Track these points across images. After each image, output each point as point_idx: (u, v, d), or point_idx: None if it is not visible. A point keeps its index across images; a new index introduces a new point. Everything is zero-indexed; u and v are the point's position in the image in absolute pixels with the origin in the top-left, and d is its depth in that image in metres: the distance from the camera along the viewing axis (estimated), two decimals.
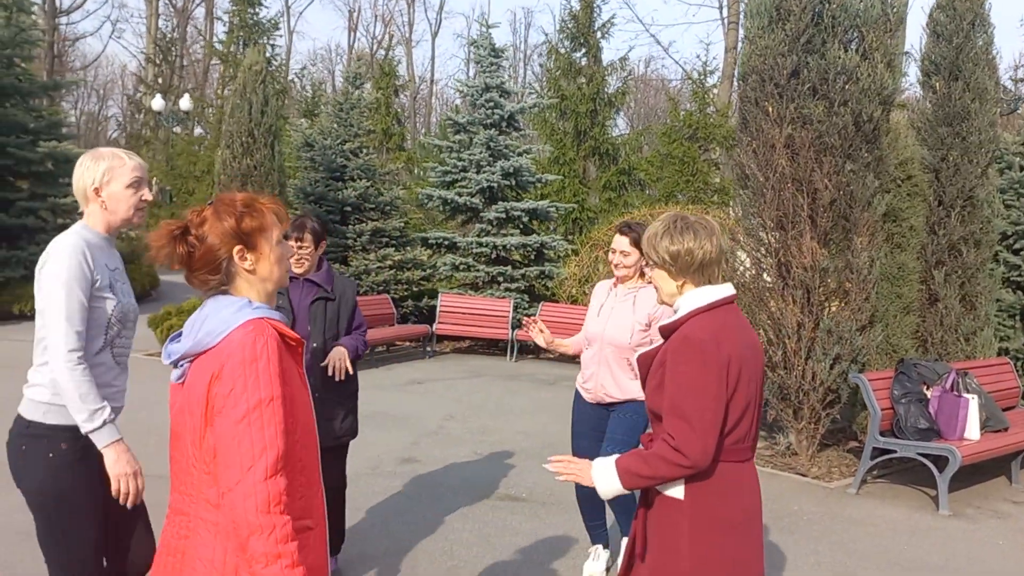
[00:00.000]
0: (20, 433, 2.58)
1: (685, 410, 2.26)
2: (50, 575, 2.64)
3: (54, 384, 2.52)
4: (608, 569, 4.40)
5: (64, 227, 13.83)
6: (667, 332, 2.42)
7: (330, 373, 3.89)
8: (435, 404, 8.51)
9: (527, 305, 12.30)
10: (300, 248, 3.99)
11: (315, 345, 3.95)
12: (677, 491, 2.34)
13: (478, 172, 12.84)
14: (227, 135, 10.56)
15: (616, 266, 4.19)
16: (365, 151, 12.88)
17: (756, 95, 6.58)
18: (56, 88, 15.00)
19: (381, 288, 12.09)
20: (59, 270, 2.53)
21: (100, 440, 2.52)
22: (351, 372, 3.97)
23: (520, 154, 13.07)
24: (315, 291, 4.03)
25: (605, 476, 2.37)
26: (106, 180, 2.67)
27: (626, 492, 2.38)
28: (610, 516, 4.46)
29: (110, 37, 74.12)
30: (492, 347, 12.37)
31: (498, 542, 4.83)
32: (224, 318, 1.96)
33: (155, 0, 32.95)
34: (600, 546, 4.39)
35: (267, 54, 24.75)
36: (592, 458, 4.22)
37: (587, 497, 4.26)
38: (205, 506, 1.91)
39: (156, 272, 17.47)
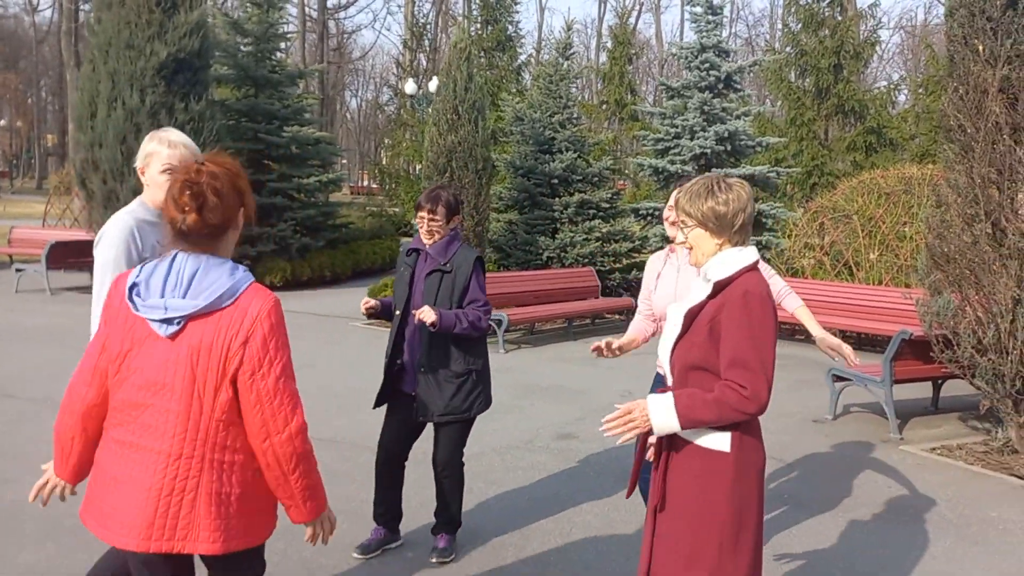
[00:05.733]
0: None
1: (755, 360, 2.35)
2: None
3: None
4: None
5: (308, 205, 15.21)
6: (720, 287, 2.46)
7: (416, 321, 3.79)
8: (617, 378, 8.29)
9: None
10: (431, 220, 3.93)
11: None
12: (723, 443, 2.44)
13: (691, 138, 12.27)
14: (434, 113, 10.92)
15: (671, 222, 3.63)
16: (572, 123, 12.76)
17: (964, 32, 5.63)
18: (301, 76, 16.33)
19: (587, 260, 11.97)
20: (108, 251, 2.70)
21: None
22: (428, 323, 3.72)
23: (738, 117, 12.31)
24: (433, 263, 3.98)
25: (662, 413, 2.41)
26: (147, 163, 2.82)
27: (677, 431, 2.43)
28: None
29: (378, 29, 79.95)
30: None
31: (623, 526, 4.59)
32: (225, 281, 2.09)
33: None
34: None
35: (508, 32, 25.31)
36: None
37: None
38: (215, 448, 2.13)
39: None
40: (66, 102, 51.31)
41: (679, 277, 3.74)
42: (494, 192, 12.47)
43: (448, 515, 4.16)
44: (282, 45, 15.74)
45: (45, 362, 7.80)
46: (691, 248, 2.56)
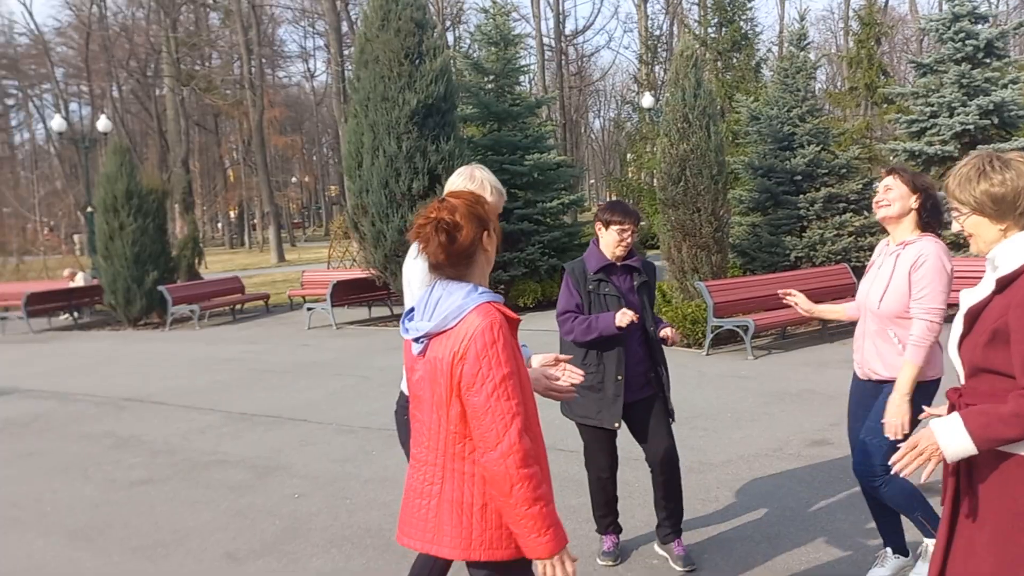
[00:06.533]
0: (403, 406, 3.11)
1: None
2: None
3: None
4: None
5: (554, 227, 15.76)
6: (1004, 283, 2.23)
7: (669, 343, 4.04)
8: None
9: None
10: (633, 233, 4.03)
11: (652, 329, 4.06)
12: (1019, 447, 2.20)
13: (950, 115, 11.28)
14: (665, 123, 10.96)
15: (877, 204, 3.62)
16: (813, 115, 12.20)
17: None
18: (539, 105, 17.01)
19: (840, 257, 11.36)
20: (412, 271, 3.10)
21: None
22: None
23: (1005, 86, 11.14)
24: (634, 276, 4.11)
25: (953, 438, 2.20)
26: None
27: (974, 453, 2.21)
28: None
29: (614, 48, 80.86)
30: None
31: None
32: (458, 302, 2.26)
33: (643, 5, 35.12)
34: (890, 549, 3.77)
35: (743, 31, 24.64)
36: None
37: (874, 495, 3.65)
38: (454, 458, 2.27)
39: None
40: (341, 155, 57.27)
41: (879, 270, 3.66)
42: (733, 196, 12.23)
43: (678, 517, 4.19)
44: (521, 78, 16.49)
45: (331, 390, 8.78)
46: (970, 236, 2.35)
